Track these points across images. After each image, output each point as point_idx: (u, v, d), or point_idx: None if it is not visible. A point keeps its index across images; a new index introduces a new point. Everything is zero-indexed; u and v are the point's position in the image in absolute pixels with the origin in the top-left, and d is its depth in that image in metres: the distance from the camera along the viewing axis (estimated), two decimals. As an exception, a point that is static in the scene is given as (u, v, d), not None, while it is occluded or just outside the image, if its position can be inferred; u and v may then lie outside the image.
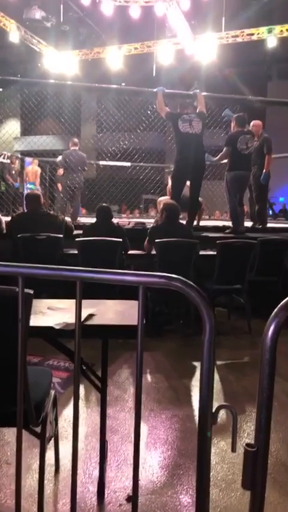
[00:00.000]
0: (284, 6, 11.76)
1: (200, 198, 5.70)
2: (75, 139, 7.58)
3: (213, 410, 1.19)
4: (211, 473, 1.98)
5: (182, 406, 2.76)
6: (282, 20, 12.47)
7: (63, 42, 14.34)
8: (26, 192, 9.08)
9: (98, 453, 1.97)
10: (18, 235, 3.99)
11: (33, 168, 10.21)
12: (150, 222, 5.51)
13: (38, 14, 11.93)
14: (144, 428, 2.43)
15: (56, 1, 11.81)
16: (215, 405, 1.18)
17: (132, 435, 1.30)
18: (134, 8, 11.74)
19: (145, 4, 11.81)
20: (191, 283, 1.12)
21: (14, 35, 13.02)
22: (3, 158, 9.87)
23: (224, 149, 5.43)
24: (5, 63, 15.68)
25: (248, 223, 6.27)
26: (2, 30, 13.13)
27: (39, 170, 10.09)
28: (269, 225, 6.64)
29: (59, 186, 8.61)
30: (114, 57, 14.02)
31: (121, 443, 2.28)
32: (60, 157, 7.44)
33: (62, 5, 11.87)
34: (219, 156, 5.59)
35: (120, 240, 4.08)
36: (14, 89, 8.26)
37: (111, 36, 13.86)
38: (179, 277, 1.13)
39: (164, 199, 5.97)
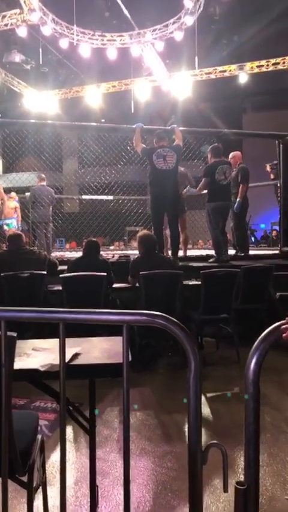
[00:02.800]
0: (253, 45, 12.45)
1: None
2: (42, 175, 7.68)
3: (203, 448, 1.17)
4: (206, 514, 1.93)
5: (173, 443, 2.69)
6: (252, 57, 13.18)
7: (43, 83, 14.77)
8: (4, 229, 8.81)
9: (89, 500, 1.90)
10: (1, 274, 3.95)
11: (9, 204, 9.02)
12: (134, 253, 5.55)
13: (18, 58, 12.36)
14: (135, 468, 2.35)
15: (35, 45, 12.25)
16: (207, 440, 1.16)
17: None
18: (111, 50, 12.26)
19: (121, 46, 12.34)
20: (175, 319, 1.13)
21: (-5, 78, 13.42)
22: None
23: (203, 180, 5.58)
24: (-14, 104, 16.01)
25: (231, 252, 6.35)
26: (-17, 73, 13.51)
27: (17, 206, 9.03)
28: (251, 252, 6.75)
29: None
30: (93, 95, 14.49)
31: (112, 487, 2.20)
32: (28, 194, 7.52)
33: (40, 49, 12.31)
34: (198, 187, 5.73)
35: (105, 274, 4.06)
36: (-6, 128, 8.36)
37: (90, 75, 14.36)
38: (162, 314, 1.13)
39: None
